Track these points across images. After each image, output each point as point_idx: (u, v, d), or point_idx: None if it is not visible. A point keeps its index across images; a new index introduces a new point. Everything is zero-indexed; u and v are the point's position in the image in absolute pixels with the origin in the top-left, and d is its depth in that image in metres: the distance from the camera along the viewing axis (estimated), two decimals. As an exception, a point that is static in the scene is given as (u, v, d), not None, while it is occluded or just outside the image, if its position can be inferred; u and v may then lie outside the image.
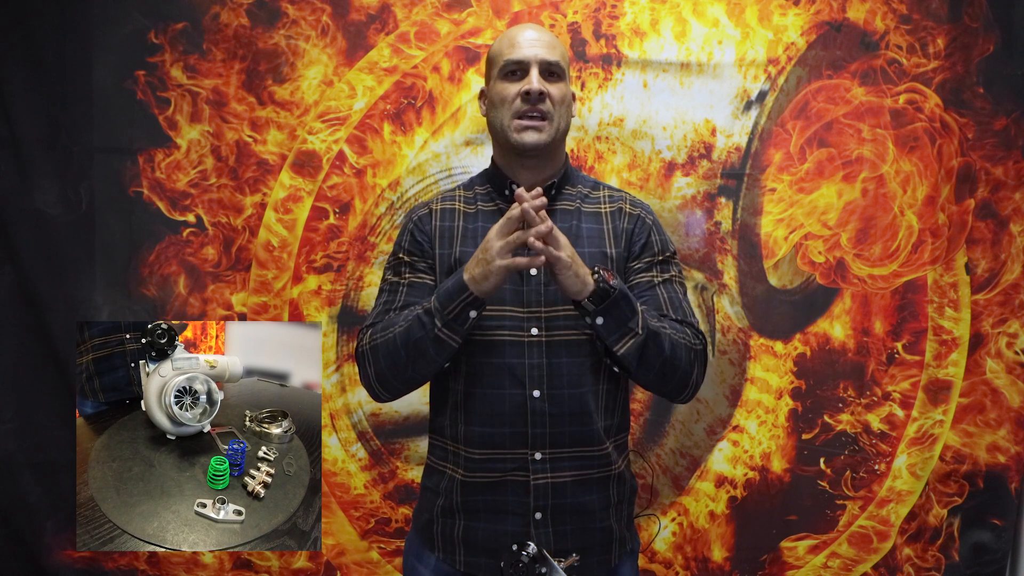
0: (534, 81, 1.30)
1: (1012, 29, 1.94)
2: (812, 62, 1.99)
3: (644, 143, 2.01)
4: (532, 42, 1.33)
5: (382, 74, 2.01)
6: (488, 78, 1.39)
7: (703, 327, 2.02)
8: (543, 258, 1.17)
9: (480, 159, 1.99)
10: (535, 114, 1.31)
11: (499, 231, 1.19)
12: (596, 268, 1.23)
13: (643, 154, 2.01)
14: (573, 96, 1.40)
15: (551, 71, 1.33)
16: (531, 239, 1.16)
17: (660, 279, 1.36)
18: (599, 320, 1.21)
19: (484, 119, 1.43)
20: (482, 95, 1.42)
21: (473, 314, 1.22)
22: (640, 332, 1.22)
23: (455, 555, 1.33)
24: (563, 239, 1.20)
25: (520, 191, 1.20)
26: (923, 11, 1.96)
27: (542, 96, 1.30)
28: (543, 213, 1.18)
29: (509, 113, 1.32)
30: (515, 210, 1.18)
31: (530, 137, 1.31)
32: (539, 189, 1.23)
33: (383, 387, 1.31)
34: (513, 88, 1.32)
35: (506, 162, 1.38)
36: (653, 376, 1.27)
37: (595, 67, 1.99)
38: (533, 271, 1.31)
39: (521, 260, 1.18)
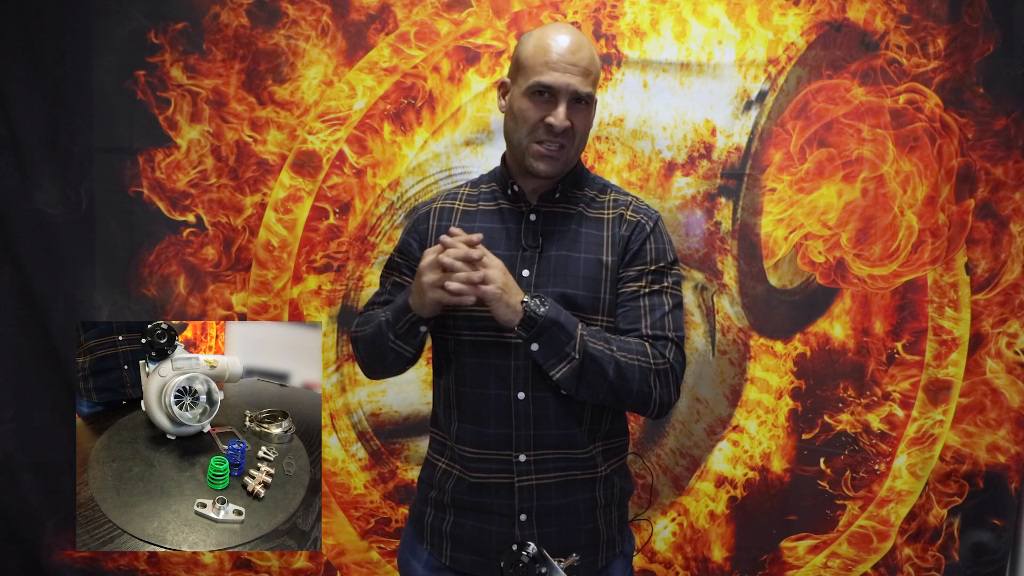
0: (561, 116, 1.26)
1: (1012, 29, 1.94)
2: (812, 62, 1.99)
3: (644, 143, 2.01)
4: (567, 67, 1.26)
5: (382, 74, 2.01)
6: (513, 79, 1.33)
7: (703, 327, 2.04)
8: (472, 298, 1.19)
9: (480, 159, 1.99)
10: (552, 144, 1.28)
11: (430, 264, 1.21)
12: (526, 297, 1.22)
13: (643, 154, 2.01)
14: (595, 102, 1.36)
15: (580, 99, 1.29)
16: (452, 285, 1.18)
17: (648, 290, 1.31)
18: (534, 347, 1.22)
19: (484, 120, 1.43)
20: (503, 87, 1.36)
21: (424, 328, 1.28)
22: (576, 356, 1.21)
23: (442, 548, 1.34)
24: (495, 265, 1.21)
25: (451, 230, 1.22)
26: (923, 11, 1.96)
27: (564, 131, 1.28)
28: (479, 245, 1.20)
29: (529, 136, 1.29)
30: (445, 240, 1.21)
31: (544, 167, 1.30)
32: (478, 236, 1.22)
33: (367, 373, 1.45)
34: (537, 113, 1.27)
35: (514, 165, 1.37)
36: (602, 397, 1.26)
37: (595, 67, 1.99)
38: (525, 272, 1.31)
39: (447, 298, 1.20)
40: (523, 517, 1.29)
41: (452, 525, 1.33)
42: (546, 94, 1.27)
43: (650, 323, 1.29)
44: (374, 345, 1.33)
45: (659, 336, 1.29)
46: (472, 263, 1.19)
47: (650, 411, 1.29)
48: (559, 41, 1.27)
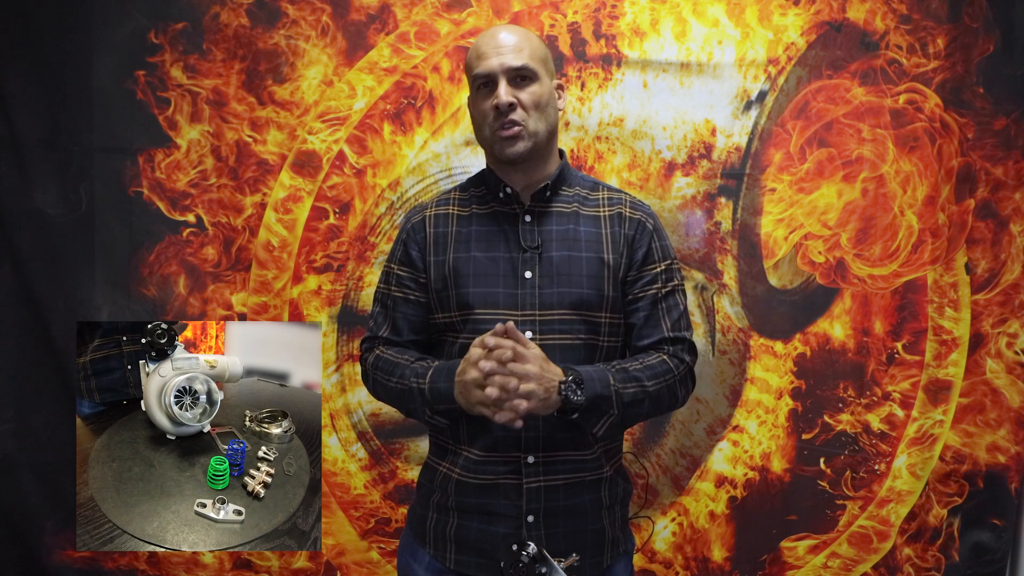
0: (502, 94, 1.29)
1: (1012, 29, 1.94)
2: (812, 62, 1.99)
3: (644, 143, 2.01)
4: (496, 50, 1.30)
5: (382, 74, 2.01)
6: (470, 89, 1.38)
7: (703, 328, 2.03)
8: (511, 414, 1.18)
9: (480, 159, 1.97)
10: (508, 124, 1.30)
11: (474, 363, 1.20)
12: (561, 384, 1.21)
13: (643, 154, 2.01)
14: (560, 88, 1.39)
15: (521, 75, 1.31)
16: (491, 391, 1.17)
17: (663, 291, 1.36)
18: (575, 415, 1.24)
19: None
20: (470, 103, 1.41)
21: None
22: (615, 412, 1.25)
23: (445, 552, 1.33)
24: (532, 357, 1.20)
25: (497, 328, 1.20)
26: (923, 11, 1.96)
27: (512, 107, 1.30)
28: (513, 346, 1.19)
29: (488, 128, 1.32)
30: (490, 342, 1.19)
31: (510, 149, 1.31)
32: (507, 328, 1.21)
33: (379, 400, 1.43)
34: (487, 102, 1.31)
35: (498, 167, 1.38)
36: (638, 423, 1.33)
37: (595, 67, 1.99)
38: (528, 274, 1.31)
39: (486, 411, 1.20)
40: (530, 518, 1.29)
41: (456, 528, 1.32)
42: (489, 84, 1.32)
43: (670, 325, 1.35)
44: (401, 403, 1.34)
45: (679, 338, 1.35)
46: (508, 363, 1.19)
47: (674, 409, 1.41)
48: (487, 34, 1.35)
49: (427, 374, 1.28)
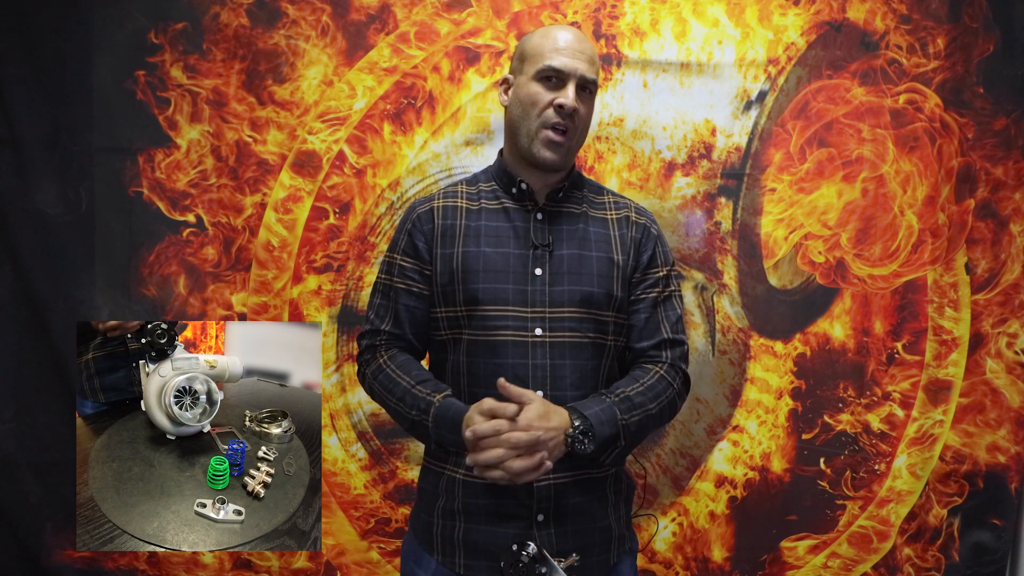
0: (570, 96, 1.29)
1: (1012, 29, 1.94)
2: (812, 62, 1.99)
3: (644, 143, 2.01)
4: (576, 53, 1.31)
5: (382, 74, 2.01)
6: (517, 71, 1.36)
7: (703, 328, 2.03)
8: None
9: (480, 159, 1.99)
10: (560, 127, 1.31)
11: (481, 441, 1.17)
12: (568, 438, 1.20)
13: (643, 154, 2.01)
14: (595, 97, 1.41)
15: (586, 88, 1.33)
16: (516, 465, 1.15)
17: (663, 295, 1.38)
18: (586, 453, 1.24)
19: (484, 120, 1.43)
20: (505, 83, 1.39)
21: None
22: (622, 443, 1.26)
23: (455, 558, 1.32)
24: (532, 414, 1.18)
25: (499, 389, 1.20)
26: (923, 11, 1.96)
27: (573, 113, 1.30)
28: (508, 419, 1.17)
29: (538, 120, 1.31)
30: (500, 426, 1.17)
31: (551, 154, 1.32)
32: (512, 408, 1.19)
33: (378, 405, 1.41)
34: (547, 96, 1.30)
35: (516, 161, 1.38)
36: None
37: (595, 67, 1.99)
38: (538, 271, 1.31)
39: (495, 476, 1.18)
40: (540, 517, 1.28)
41: (464, 532, 1.31)
42: (554, 78, 1.31)
43: (669, 328, 1.37)
44: (400, 420, 1.33)
45: (676, 341, 1.38)
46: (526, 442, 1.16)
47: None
48: (565, 32, 1.34)
49: (430, 412, 1.26)
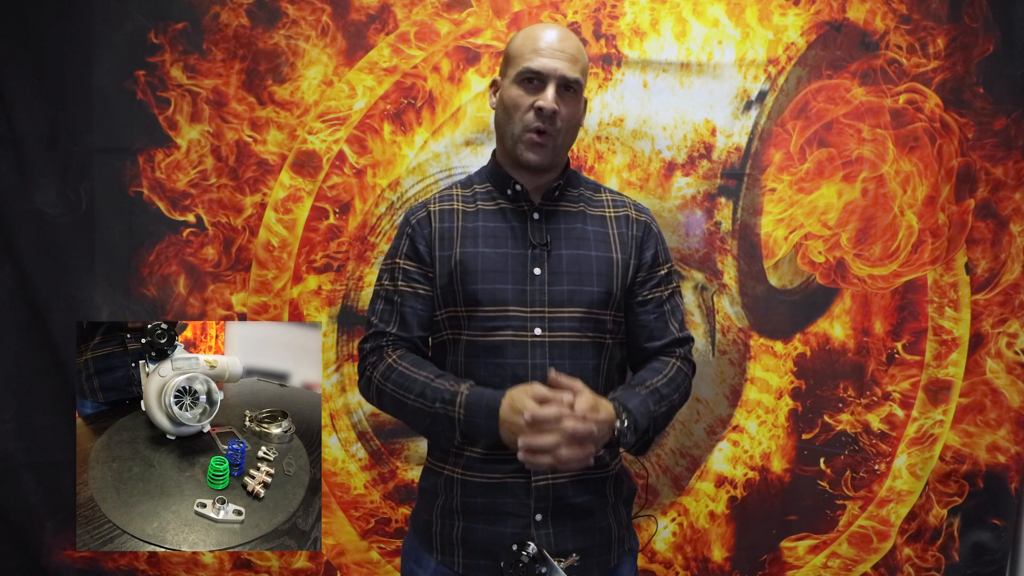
0: (549, 98, 1.28)
1: (1012, 29, 1.94)
2: (812, 62, 1.99)
3: (644, 143, 2.01)
4: (555, 52, 1.29)
5: (382, 74, 2.01)
6: (503, 74, 1.36)
7: (703, 328, 2.03)
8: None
9: (480, 159, 1.99)
10: (541, 131, 1.30)
11: (532, 427, 1.16)
12: (616, 433, 1.21)
13: (643, 154, 2.01)
14: (585, 102, 1.40)
15: (568, 87, 1.31)
16: (564, 453, 1.15)
17: (667, 294, 1.40)
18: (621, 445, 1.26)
19: (484, 120, 1.43)
20: (494, 85, 1.40)
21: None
22: (651, 435, 1.30)
23: (454, 557, 1.32)
24: (583, 405, 1.17)
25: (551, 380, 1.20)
26: (923, 11, 1.96)
27: (554, 115, 1.29)
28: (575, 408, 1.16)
29: (520, 124, 1.31)
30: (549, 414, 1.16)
31: (533, 156, 1.31)
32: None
33: (380, 410, 1.40)
34: (527, 99, 1.30)
35: (508, 162, 1.38)
36: None
37: (595, 67, 1.99)
38: (537, 271, 1.31)
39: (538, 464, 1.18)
40: (539, 517, 1.28)
41: (463, 531, 1.31)
42: (535, 80, 1.30)
43: (677, 326, 1.40)
44: (417, 421, 1.29)
45: (684, 338, 1.41)
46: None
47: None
48: (546, 31, 1.33)
49: (456, 401, 1.24)
